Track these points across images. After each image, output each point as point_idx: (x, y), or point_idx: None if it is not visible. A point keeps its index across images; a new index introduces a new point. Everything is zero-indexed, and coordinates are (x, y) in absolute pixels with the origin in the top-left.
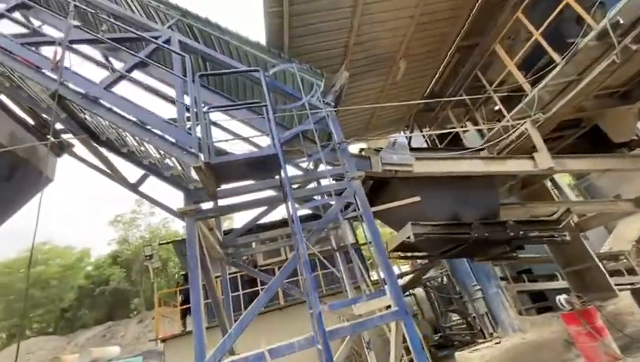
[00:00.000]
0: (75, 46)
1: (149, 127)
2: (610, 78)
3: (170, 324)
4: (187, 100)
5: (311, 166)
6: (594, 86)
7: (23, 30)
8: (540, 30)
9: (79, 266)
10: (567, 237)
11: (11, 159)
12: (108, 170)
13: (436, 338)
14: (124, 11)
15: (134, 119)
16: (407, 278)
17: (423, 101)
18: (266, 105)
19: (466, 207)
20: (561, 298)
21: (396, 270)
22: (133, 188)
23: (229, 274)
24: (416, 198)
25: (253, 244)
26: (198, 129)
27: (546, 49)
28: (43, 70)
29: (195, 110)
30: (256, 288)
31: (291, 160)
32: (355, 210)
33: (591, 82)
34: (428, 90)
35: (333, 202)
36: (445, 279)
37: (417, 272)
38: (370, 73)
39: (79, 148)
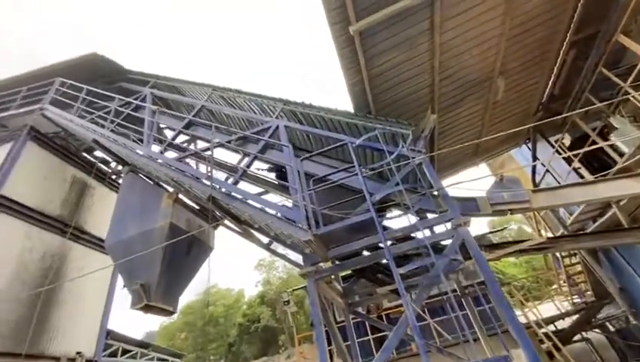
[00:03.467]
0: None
1: (269, 211)
2: None
3: None
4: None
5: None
6: None
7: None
8: None
9: (237, 306)
10: None
11: (189, 238)
12: (248, 235)
13: None
14: (246, 113)
15: (258, 206)
16: (569, 319)
17: (526, 126)
18: (356, 174)
19: None
20: None
21: (551, 309)
22: (266, 246)
23: (357, 319)
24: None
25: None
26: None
27: None
28: (200, 179)
29: (301, 190)
30: (385, 332)
31: (392, 212)
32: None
33: None
34: (545, 97)
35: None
36: (631, 318)
37: (583, 312)
38: (466, 100)
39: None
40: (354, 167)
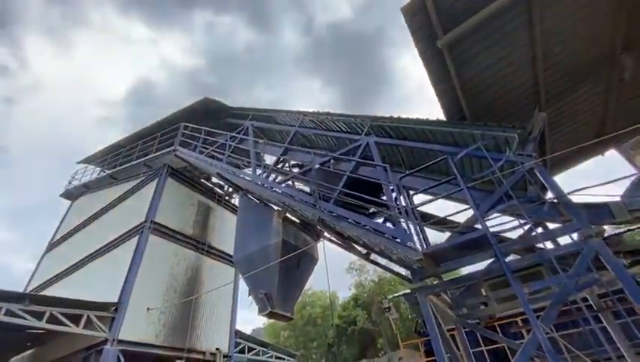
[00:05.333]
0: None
1: (377, 230)
2: None
3: None
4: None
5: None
6: None
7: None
8: None
9: (333, 307)
10: None
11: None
12: (349, 248)
13: None
14: (335, 133)
15: (367, 227)
16: None
17: None
18: (462, 189)
19: None
20: None
21: None
22: (365, 256)
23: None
24: None
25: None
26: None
27: None
28: (308, 203)
29: (404, 209)
30: (499, 344)
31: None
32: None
33: None
34: None
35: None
36: None
37: None
38: (579, 85)
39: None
40: (454, 178)
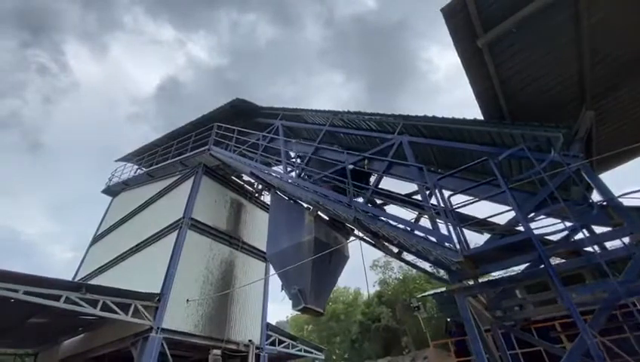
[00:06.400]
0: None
1: (414, 231)
2: None
3: None
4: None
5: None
6: None
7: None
8: None
9: (356, 304)
10: None
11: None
12: (381, 246)
13: None
14: (364, 132)
15: (402, 227)
16: None
17: None
18: (504, 191)
19: None
20: None
21: None
22: (397, 255)
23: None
24: None
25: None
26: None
27: None
28: (343, 202)
29: (443, 210)
30: (536, 347)
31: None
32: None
33: None
34: None
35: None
36: None
37: None
38: (631, 78)
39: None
40: (494, 179)
